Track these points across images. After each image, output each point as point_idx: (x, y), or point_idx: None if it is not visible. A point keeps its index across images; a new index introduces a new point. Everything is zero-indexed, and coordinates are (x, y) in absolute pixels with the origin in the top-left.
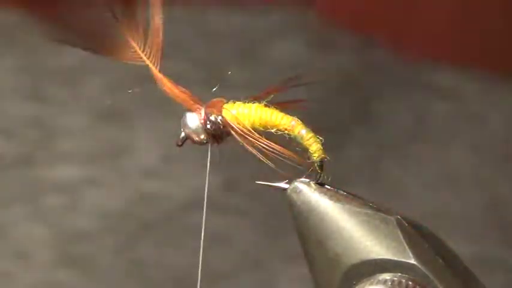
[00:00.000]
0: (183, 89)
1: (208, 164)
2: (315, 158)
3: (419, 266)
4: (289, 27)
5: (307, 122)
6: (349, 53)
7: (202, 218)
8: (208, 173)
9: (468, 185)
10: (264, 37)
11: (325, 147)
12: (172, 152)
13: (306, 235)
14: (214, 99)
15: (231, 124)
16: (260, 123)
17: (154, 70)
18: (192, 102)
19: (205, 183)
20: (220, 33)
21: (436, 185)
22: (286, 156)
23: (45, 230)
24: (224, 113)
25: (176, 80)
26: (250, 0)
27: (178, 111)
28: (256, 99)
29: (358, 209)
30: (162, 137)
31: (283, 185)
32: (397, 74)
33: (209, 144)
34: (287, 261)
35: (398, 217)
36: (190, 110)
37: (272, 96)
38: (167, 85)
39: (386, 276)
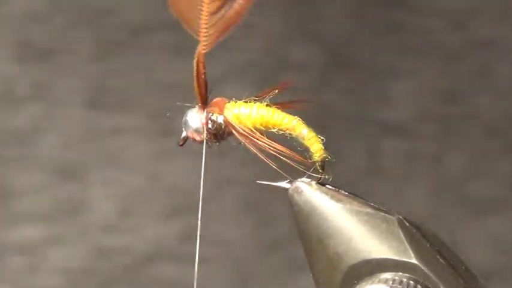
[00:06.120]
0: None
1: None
2: (316, 157)
3: (421, 266)
4: None
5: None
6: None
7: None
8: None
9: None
10: None
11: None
12: (129, 206)
13: (307, 235)
14: (216, 99)
15: (233, 124)
16: (262, 123)
17: None
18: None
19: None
20: None
21: None
22: (288, 156)
23: None
24: (226, 112)
25: None
26: None
27: (131, 165)
28: (257, 98)
29: (359, 209)
30: (119, 191)
31: (284, 184)
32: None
33: (204, 144)
34: None
35: (400, 217)
36: (191, 109)
37: (272, 96)
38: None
39: (388, 275)
